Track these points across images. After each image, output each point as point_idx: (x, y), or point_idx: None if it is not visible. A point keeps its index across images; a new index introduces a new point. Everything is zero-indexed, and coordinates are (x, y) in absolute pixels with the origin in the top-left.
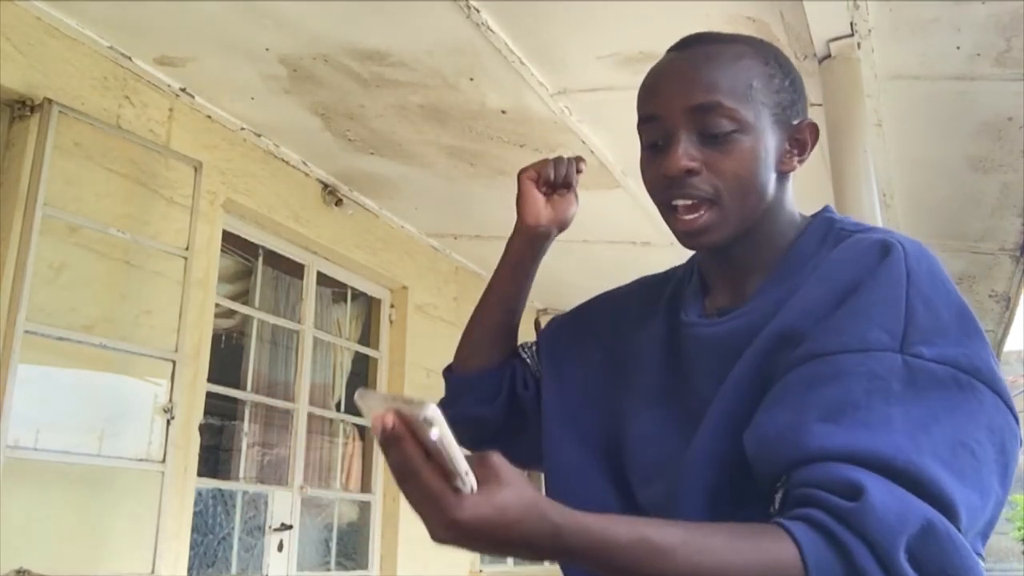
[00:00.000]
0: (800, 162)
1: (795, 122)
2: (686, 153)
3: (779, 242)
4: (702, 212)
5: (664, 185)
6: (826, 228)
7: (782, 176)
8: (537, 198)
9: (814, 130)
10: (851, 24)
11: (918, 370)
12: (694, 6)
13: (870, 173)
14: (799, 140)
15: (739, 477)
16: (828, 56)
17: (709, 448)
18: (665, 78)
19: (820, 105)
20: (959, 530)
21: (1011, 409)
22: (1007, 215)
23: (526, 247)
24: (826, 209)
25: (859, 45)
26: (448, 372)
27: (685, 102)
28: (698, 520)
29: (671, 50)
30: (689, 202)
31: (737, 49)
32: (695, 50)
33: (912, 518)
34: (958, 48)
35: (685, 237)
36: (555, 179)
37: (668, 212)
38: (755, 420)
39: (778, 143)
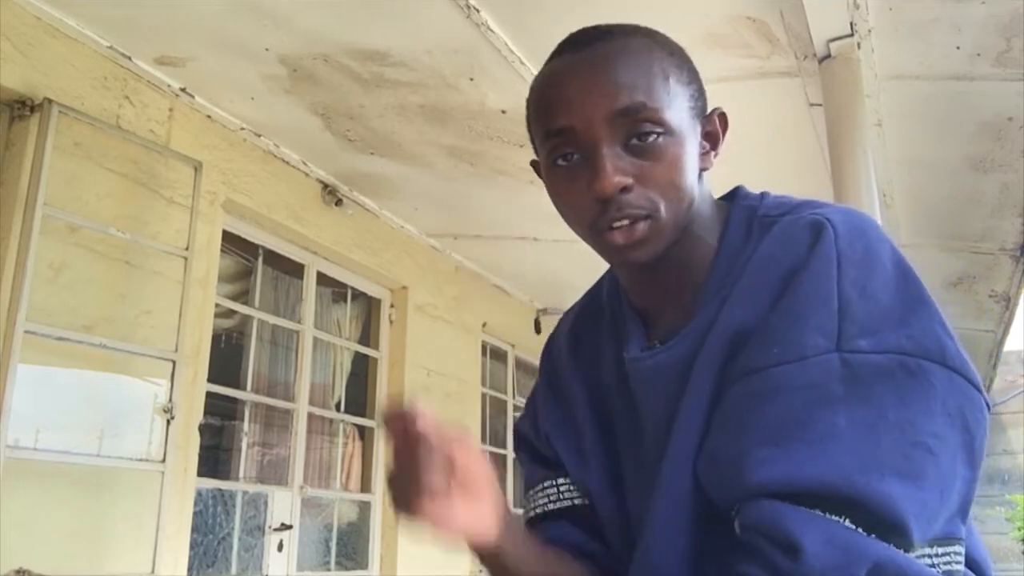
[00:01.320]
0: (715, 156)
1: (706, 114)
2: (617, 168)
3: (706, 242)
4: (638, 227)
5: (597, 210)
6: (748, 216)
7: (701, 174)
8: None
9: (724, 120)
10: (851, 24)
11: (859, 366)
12: (694, 6)
13: (870, 173)
14: (711, 133)
15: (715, 514)
16: (828, 56)
17: (679, 491)
18: (574, 81)
19: (820, 105)
20: (913, 543)
21: (971, 381)
22: (1007, 215)
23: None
24: (740, 194)
25: (859, 45)
26: None
27: (606, 108)
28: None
29: (565, 49)
30: (627, 223)
31: (641, 41)
32: (598, 47)
33: (856, 568)
34: (958, 48)
35: (616, 253)
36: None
37: (597, 234)
38: (704, 446)
39: (697, 141)
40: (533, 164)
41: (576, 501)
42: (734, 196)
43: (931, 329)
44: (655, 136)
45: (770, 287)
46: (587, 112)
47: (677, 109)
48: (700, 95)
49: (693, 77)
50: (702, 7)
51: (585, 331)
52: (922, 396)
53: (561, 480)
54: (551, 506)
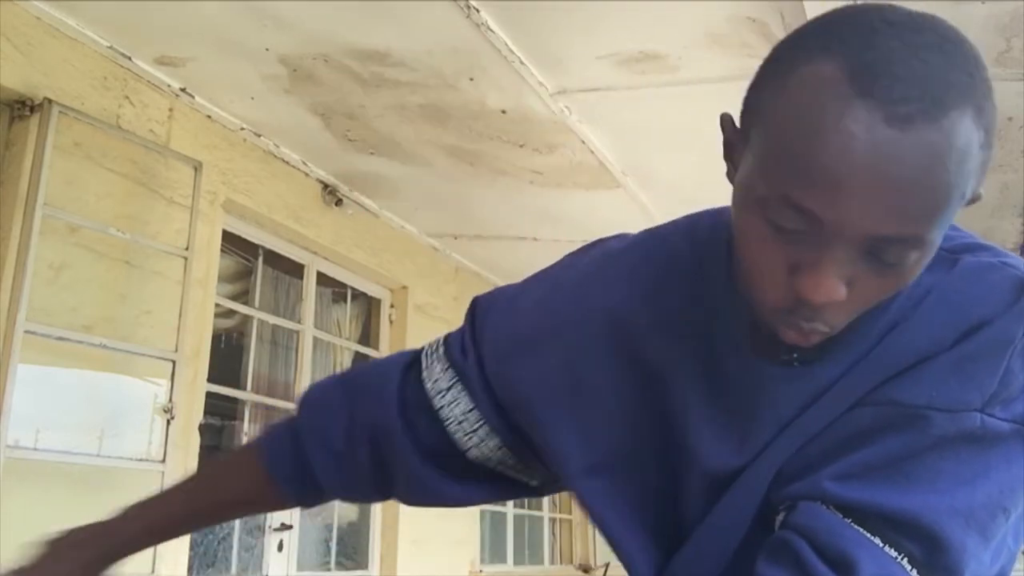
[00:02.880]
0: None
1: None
2: (840, 280)
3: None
4: (816, 337)
5: (787, 302)
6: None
7: None
8: None
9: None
10: None
11: (987, 428)
12: (694, 6)
13: None
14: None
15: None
16: None
17: (750, 503)
18: (859, 168)
19: None
20: None
21: None
22: (1007, 215)
23: None
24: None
25: None
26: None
27: (872, 227)
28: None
29: (870, 96)
30: (809, 328)
31: (965, 130)
32: (919, 130)
33: None
34: None
35: (783, 338)
36: None
37: (769, 318)
38: (798, 451)
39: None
40: (725, 121)
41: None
42: None
43: None
44: (906, 258)
45: (955, 328)
46: (849, 218)
47: (951, 212)
48: (984, 166)
49: (988, 146)
50: (702, 7)
51: (680, 309)
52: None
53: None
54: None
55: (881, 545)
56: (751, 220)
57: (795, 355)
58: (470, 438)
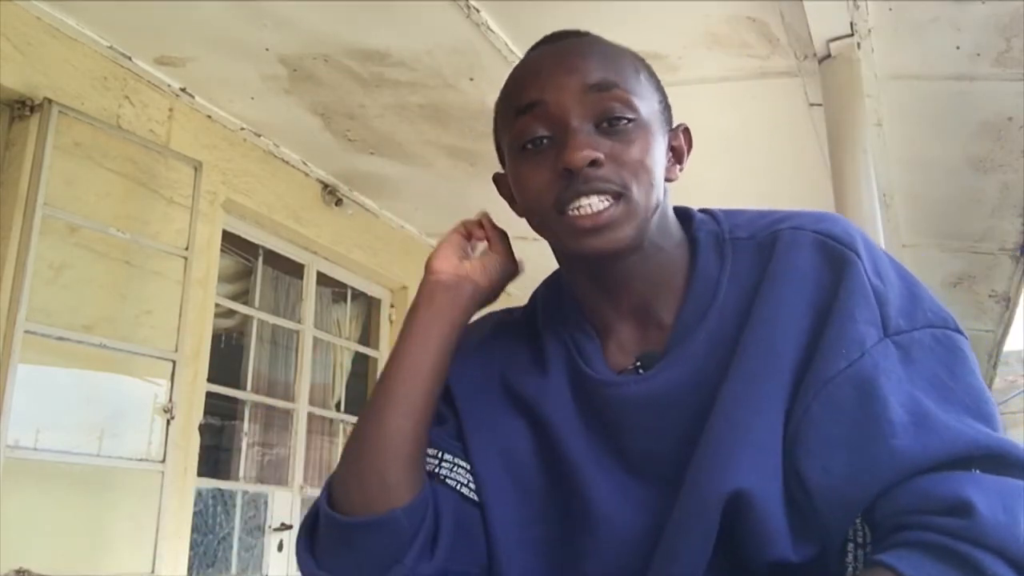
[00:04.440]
0: (680, 171)
1: (672, 127)
2: (588, 141)
3: (674, 260)
4: (608, 205)
5: (562, 184)
6: (715, 239)
7: (666, 184)
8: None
9: (688, 136)
10: (851, 24)
11: (907, 346)
12: (694, 6)
13: (870, 173)
14: (676, 148)
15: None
16: (828, 56)
17: (711, 512)
18: (551, 60)
19: (820, 105)
20: None
21: (965, 336)
22: (1007, 215)
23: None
24: (694, 216)
25: (859, 45)
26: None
27: (578, 82)
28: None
29: (544, 44)
30: (594, 201)
31: (614, 43)
32: (573, 39)
33: (1016, 505)
34: (958, 48)
35: (586, 235)
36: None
37: (560, 214)
38: (802, 473)
39: (664, 150)
40: (497, 178)
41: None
42: (688, 218)
43: (934, 300)
44: (627, 121)
45: (811, 307)
46: (559, 84)
47: (648, 103)
48: (667, 108)
49: (660, 89)
50: (702, 7)
51: (506, 352)
52: (964, 362)
53: (459, 460)
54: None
55: (972, 472)
56: (515, 161)
57: (637, 363)
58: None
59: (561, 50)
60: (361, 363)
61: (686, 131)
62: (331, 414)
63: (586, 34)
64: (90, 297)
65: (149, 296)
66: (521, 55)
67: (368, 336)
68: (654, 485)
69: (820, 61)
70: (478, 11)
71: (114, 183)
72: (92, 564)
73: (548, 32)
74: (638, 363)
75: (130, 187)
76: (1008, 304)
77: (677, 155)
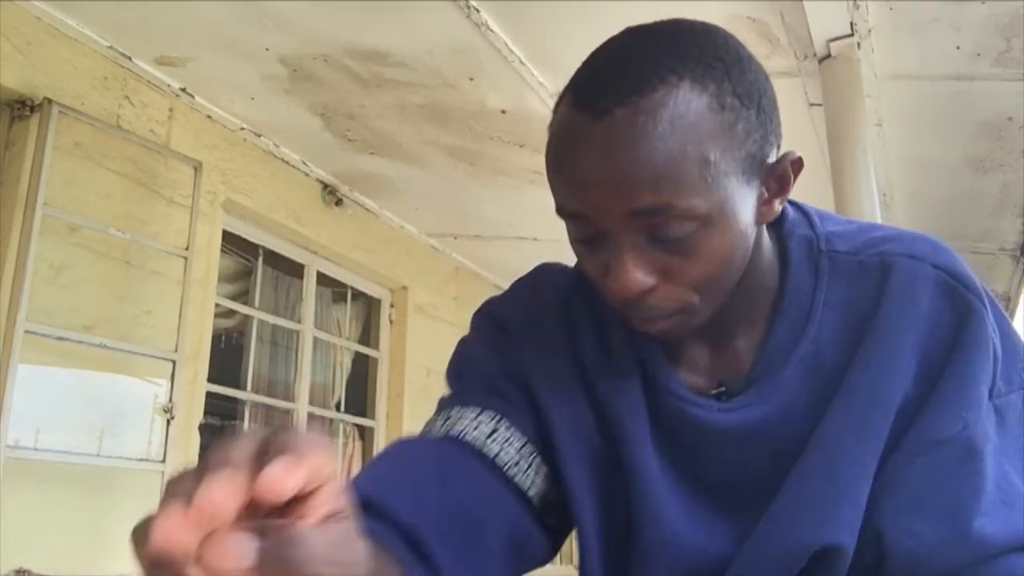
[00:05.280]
0: (782, 201)
1: (771, 160)
2: (637, 269)
3: (763, 275)
4: (668, 322)
5: (619, 304)
6: (808, 250)
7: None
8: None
9: (798, 165)
10: (851, 24)
11: (1003, 410)
12: (694, 6)
13: (870, 173)
14: (781, 179)
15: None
16: (828, 56)
17: (793, 554)
18: (587, 163)
19: (820, 105)
20: None
21: None
22: (1007, 215)
23: None
24: (788, 220)
25: (859, 45)
26: None
27: (623, 206)
28: None
29: (584, 99)
30: (654, 319)
31: (676, 101)
32: (620, 115)
33: None
34: (958, 48)
35: (645, 333)
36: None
37: (628, 322)
38: (884, 531)
39: (754, 199)
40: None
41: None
42: (782, 221)
43: None
44: (686, 232)
45: (924, 348)
46: (602, 205)
47: (722, 187)
48: (764, 142)
49: (753, 123)
50: (702, 7)
51: (573, 325)
52: None
53: (519, 434)
54: (496, 446)
55: None
56: (574, 245)
57: (721, 387)
58: (527, 477)
59: (603, 148)
60: (361, 363)
61: (795, 162)
62: (331, 414)
63: (640, 95)
64: (90, 297)
65: (149, 296)
66: (521, 55)
67: (368, 336)
68: (731, 515)
69: (820, 61)
70: (478, 11)
71: (114, 183)
72: (92, 564)
73: (547, 33)
74: (721, 388)
75: (130, 187)
76: (1008, 304)
77: (781, 186)
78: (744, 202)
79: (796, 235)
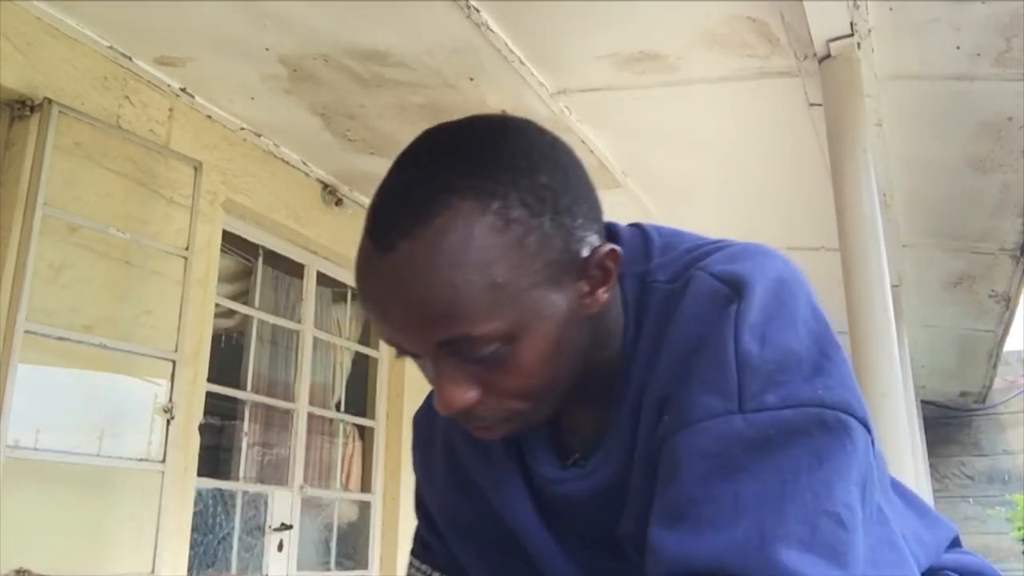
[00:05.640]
0: (607, 290)
1: (584, 255)
2: (455, 387)
3: (615, 346)
4: (501, 428)
5: (444, 415)
6: (639, 289)
7: (588, 314)
8: None
9: (613, 255)
10: (851, 24)
11: (766, 425)
12: (694, 6)
13: (870, 173)
14: (601, 268)
15: None
16: (828, 56)
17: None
18: (378, 300)
19: (820, 105)
20: None
21: (873, 437)
22: (1007, 215)
23: None
24: (625, 261)
25: (859, 45)
26: None
27: (421, 340)
28: None
29: (370, 236)
30: (488, 427)
31: (456, 227)
32: (401, 250)
33: None
34: (958, 48)
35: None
36: None
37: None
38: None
39: (571, 298)
40: None
41: None
42: (619, 261)
43: (849, 378)
44: (493, 351)
45: (676, 364)
46: (402, 339)
47: (521, 303)
48: (568, 242)
49: (548, 229)
50: (702, 7)
51: (461, 433)
52: (841, 458)
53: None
54: None
55: None
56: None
57: (577, 457)
58: None
59: (391, 288)
60: (361, 363)
61: (609, 253)
62: (331, 414)
63: (419, 228)
64: (90, 297)
65: (149, 296)
66: (521, 55)
67: (368, 336)
68: (609, 556)
69: (820, 61)
70: (478, 11)
71: (114, 183)
72: (92, 564)
73: (547, 33)
74: (578, 457)
75: (130, 187)
76: (1008, 304)
77: (603, 276)
78: (556, 306)
79: (630, 276)
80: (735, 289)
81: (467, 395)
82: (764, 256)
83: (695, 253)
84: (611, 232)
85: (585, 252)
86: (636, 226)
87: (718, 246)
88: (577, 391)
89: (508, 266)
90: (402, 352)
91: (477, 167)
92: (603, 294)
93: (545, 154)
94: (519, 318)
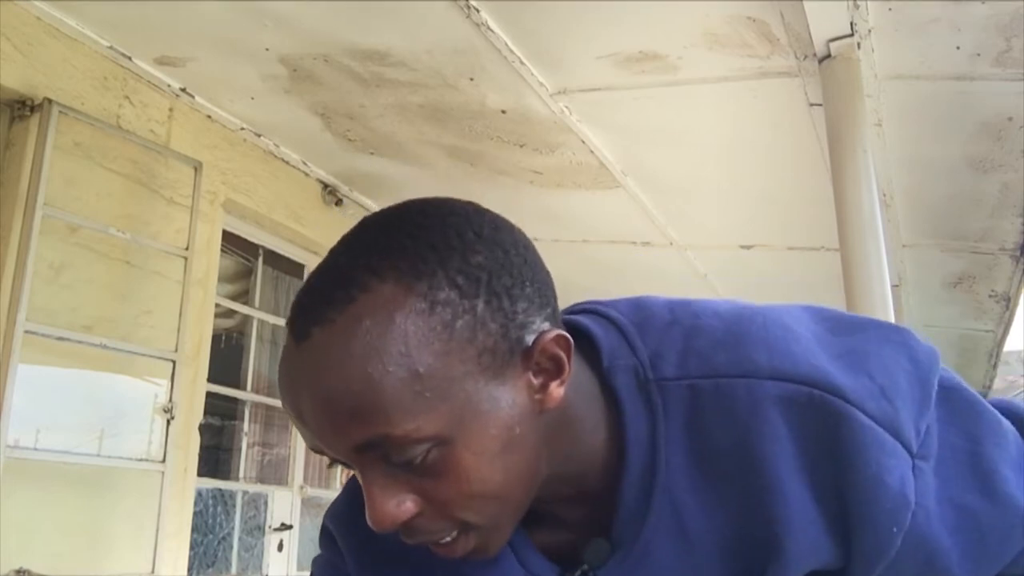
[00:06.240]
0: (562, 383)
1: (529, 340)
2: (387, 500)
3: (596, 446)
4: (459, 541)
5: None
6: (635, 383)
7: (546, 407)
8: None
9: (561, 341)
10: (851, 24)
11: (934, 436)
12: (694, 6)
13: (870, 173)
14: (552, 359)
15: None
16: (828, 56)
17: None
18: (294, 399)
19: (820, 105)
20: None
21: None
22: (1007, 215)
23: None
24: (605, 353)
25: (859, 45)
26: None
27: (339, 443)
28: None
29: (290, 326)
30: (439, 541)
31: (375, 310)
32: (315, 339)
33: None
34: (958, 48)
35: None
36: None
37: None
38: None
39: (520, 392)
40: None
41: None
42: (598, 355)
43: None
44: (421, 455)
45: (814, 484)
46: (321, 442)
47: (452, 397)
48: (508, 325)
49: (484, 312)
50: (702, 7)
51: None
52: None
53: None
54: None
55: None
56: None
57: (585, 567)
58: None
59: (304, 382)
60: None
61: (557, 338)
62: None
63: (335, 317)
64: (90, 297)
65: (149, 296)
66: (521, 55)
67: None
68: None
69: (820, 61)
70: (478, 11)
71: (114, 183)
72: (92, 564)
73: (547, 33)
74: (585, 566)
75: (130, 187)
76: (1008, 304)
77: (555, 367)
78: (498, 402)
79: (619, 368)
80: (825, 385)
81: (401, 507)
82: (785, 333)
83: (699, 340)
84: (572, 326)
85: (530, 340)
86: (593, 312)
87: (722, 329)
88: (562, 500)
89: (433, 354)
90: (332, 461)
91: (401, 247)
92: (557, 388)
93: (482, 234)
94: (451, 415)
